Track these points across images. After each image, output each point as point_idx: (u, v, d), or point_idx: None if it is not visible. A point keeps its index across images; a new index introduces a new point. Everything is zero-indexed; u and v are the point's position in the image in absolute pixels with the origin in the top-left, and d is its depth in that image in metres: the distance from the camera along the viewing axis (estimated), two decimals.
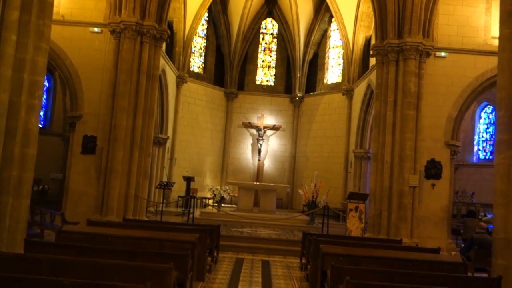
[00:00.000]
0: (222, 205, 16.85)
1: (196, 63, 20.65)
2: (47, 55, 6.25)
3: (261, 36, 22.15)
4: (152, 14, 12.58)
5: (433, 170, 12.51)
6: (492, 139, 19.29)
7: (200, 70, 20.81)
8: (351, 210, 11.35)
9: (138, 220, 9.96)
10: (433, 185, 12.49)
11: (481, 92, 13.04)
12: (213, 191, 15.08)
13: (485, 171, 18.53)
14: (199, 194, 18.78)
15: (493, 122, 19.34)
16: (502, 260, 5.89)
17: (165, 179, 17.78)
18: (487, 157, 19.35)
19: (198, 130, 19.97)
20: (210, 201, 17.22)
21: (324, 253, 6.47)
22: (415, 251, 7.35)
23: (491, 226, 13.31)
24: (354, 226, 11.22)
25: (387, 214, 12.20)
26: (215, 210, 15.23)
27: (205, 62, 21.01)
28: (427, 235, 12.32)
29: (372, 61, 17.03)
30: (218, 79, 21.26)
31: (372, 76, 15.81)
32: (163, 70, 16.39)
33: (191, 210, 12.92)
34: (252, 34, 21.66)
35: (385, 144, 12.49)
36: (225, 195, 14.95)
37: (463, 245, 10.33)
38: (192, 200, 12.48)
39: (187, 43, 18.77)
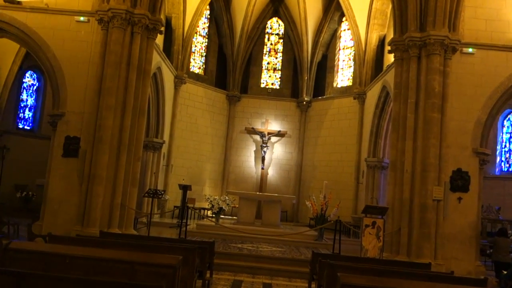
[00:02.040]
0: (222, 216, 15.42)
1: (197, 64, 19.31)
2: None
3: (266, 36, 20.80)
4: (144, 2, 11.20)
5: (459, 181, 10.99)
6: None
7: (200, 71, 19.45)
8: (367, 226, 9.83)
9: (118, 235, 8.50)
10: (460, 198, 10.96)
11: None
12: (211, 201, 13.58)
13: (509, 184, 17.02)
14: (197, 204, 17.35)
15: None
16: None
17: (161, 187, 16.36)
18: (511, 169, 17.77)
19: (197, 135, 18.55)
20: (209, 212, 15.75)
21: (344, 284, 4.98)
22: (454, 282, 5.84)
23: None
24: (370, 244, 9.70)
25: (407, 231, 10.68)
26: (213, 223, 13.72)
27: (206, 63, 19.65)
28: (453, 255, 10.78)
29: (387, 61, 15.67)
30: (219, 81, 19.89)
31: (388, 77, 14.41)
32: (159, 68, 15.05)
33: (186, 222, 11.45)
34: (257, 34, 20.32)
35: (405, 151, 11.01)
36: (224, 206, 13.45)
37: (504, 271, 8.77)
38: (187, 211, 11.00)
39: (187, 41, 17.45)
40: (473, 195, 11.05)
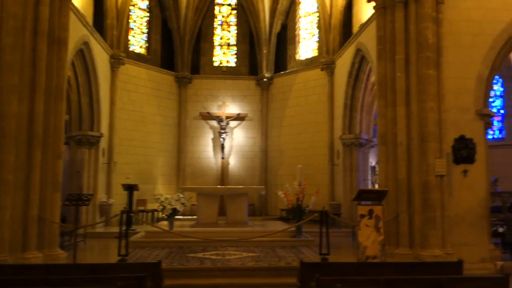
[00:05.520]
0: (180, 217, 13.00)
1: (137, 42, 16.50)
2: None
3: (217, 7, 18.21)
4: None
5: (463, 151, 9.03)
6: (501, 114, 16.21)
7: (143, 51, 16.66)
8: (363, 216, 7.65)
9: (21, 268, 5.82)
10: (465, 171, 9.02)
11: None
12: (161, 201, 11.02)
13: (497, 152, 15.36)
14: (149, 206, 14.76)
15: (500, 94, 16.28)
16: None
17: (101, 189, 13.67)
18: (495, 137, 16.22)
19: (143, 125, 15.84)
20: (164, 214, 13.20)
21: None
22: None
23: None
24: (369, 239, 7.54)
25: (407, 217, 8.67)
26: (162, 230, 11.14)
27: (148, 40, 16.85)
28: (462, 241, 8.82)
29: (357, 23, 13.56)
30: (166, 61, 17.16)
31: (362, 38, 12.31)
32: (86, 44, 12.25)
33: (127, 235, 8.91)
34: (206, 5, 17.69)
35: (397, 120, 8.97)
36: (178, 207, 10.93)
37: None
38: (128, 217, 8.46)
39: (122, 13, 14.65)
40: (481, 167, 9.13)
